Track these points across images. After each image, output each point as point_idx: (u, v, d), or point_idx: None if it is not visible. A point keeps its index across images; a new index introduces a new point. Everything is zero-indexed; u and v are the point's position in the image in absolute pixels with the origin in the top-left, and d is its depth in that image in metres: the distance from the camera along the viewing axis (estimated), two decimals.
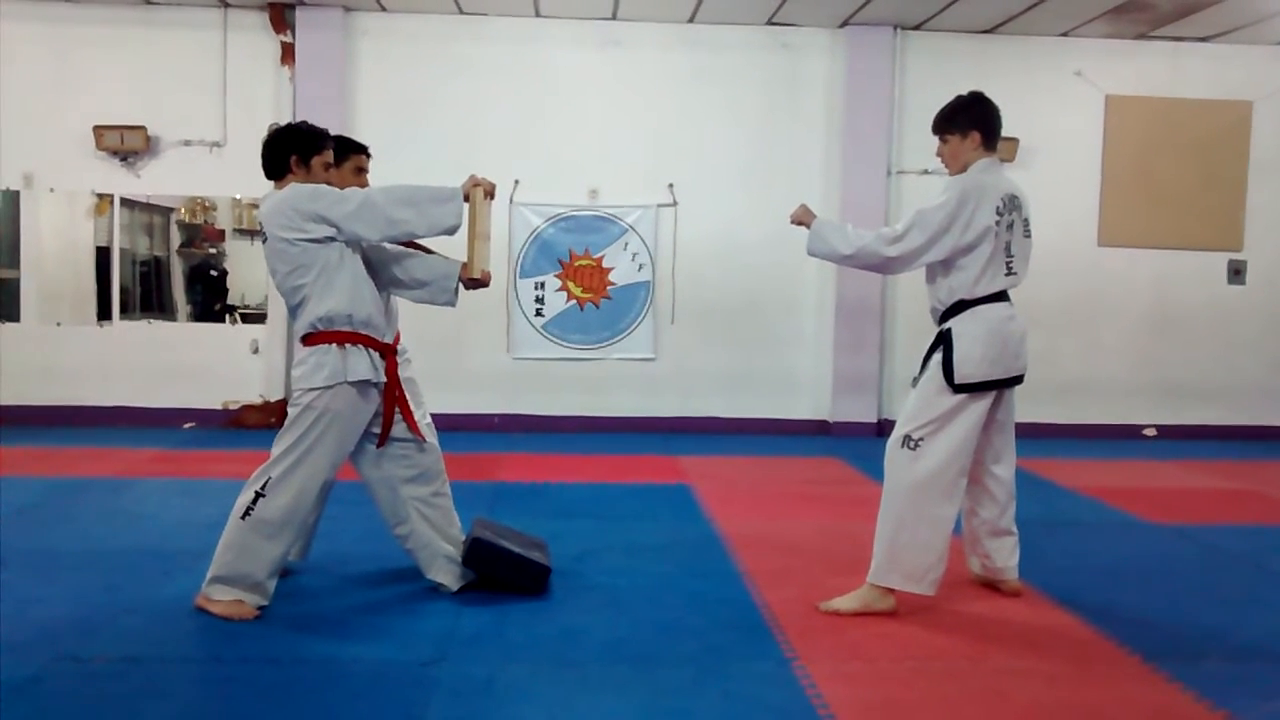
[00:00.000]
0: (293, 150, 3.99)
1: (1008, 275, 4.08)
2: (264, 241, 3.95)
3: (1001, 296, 4.10)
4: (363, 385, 3.91)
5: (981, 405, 4.05)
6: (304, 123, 4.12)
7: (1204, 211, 9.15)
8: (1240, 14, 8.25)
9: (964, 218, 3.98)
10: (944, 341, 4.05)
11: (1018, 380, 4.17)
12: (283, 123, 4.24)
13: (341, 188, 4.32)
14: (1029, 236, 4.16)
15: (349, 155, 4.41)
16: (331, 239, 3.85)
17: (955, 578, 4.67)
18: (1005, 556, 4.38)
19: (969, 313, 4.04)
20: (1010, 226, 4.05)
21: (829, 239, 4.23)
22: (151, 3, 8.46)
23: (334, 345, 3.88)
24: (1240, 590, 4.63)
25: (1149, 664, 3.61)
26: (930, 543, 4.03)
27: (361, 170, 4.45)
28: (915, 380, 4.17)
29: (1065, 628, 4.02)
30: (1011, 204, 4.07)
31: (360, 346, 3.91)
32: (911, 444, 4.02)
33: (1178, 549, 5.34)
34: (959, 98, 4.29)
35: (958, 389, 3.98)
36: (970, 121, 4.18)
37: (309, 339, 3.93)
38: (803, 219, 4.31)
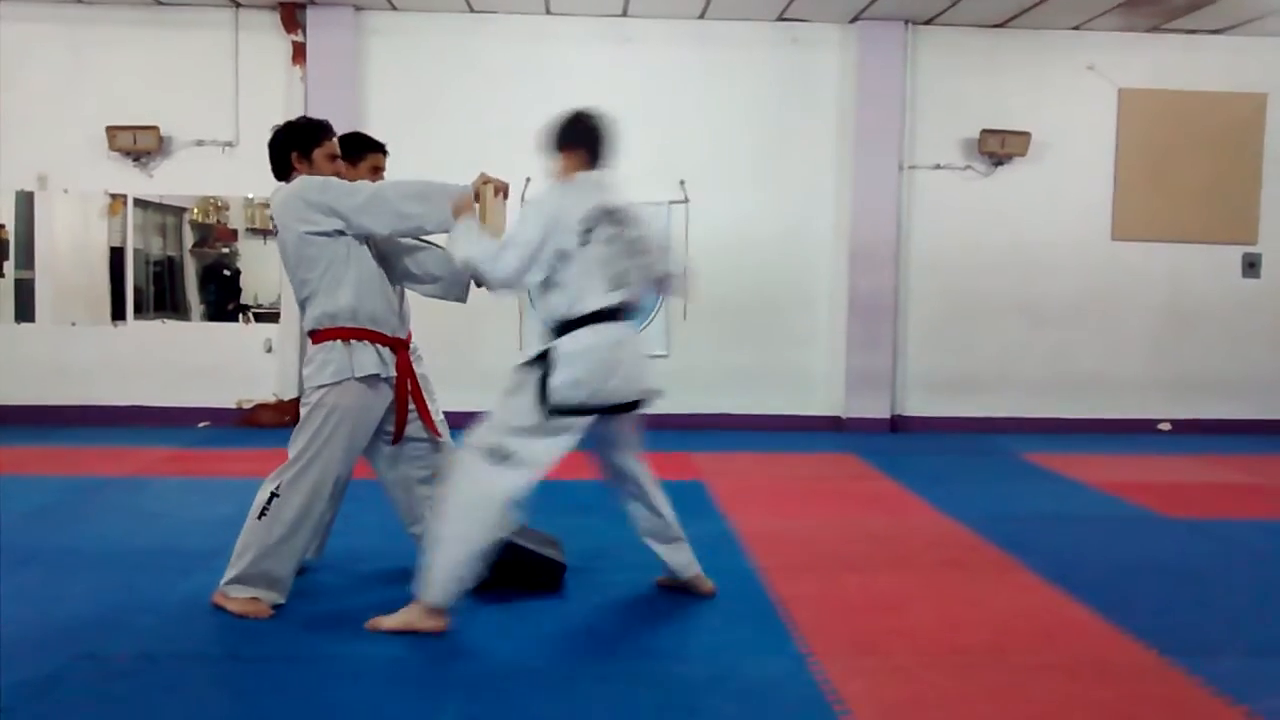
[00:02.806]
0: (293, 147, 3.98)
1: (613, 292, 3.80)
2: (276, 234, 3.97)
3: (611, 315, 3.80)
4: (371, 380, 3.90)
5: (574, 431, 3.79)
6: (302, 117, 4.12)
7: (1218, 205, 9.10)
8: (1255, 6, 8.20)
9: (552, 237, 3.72)
10: (545, 361, 3.76)
11: (630, 407, 3.91)
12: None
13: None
14: (639, 246, 3.92)
15: (365, 154, 4.39)
16: (340, 232, 3.84)
17: (970, 574, 4.67)
18: (683, 563, 4.22)
19: (570, 336, 3.75)
20: (611, 240, 3.80)
21: (455, 239, 3.84)
22: (163, 3, 8.48)
23: (339, 341, 3.88)
24: (1258, 585, 4.61)
25: (1166, 659, 3.60)
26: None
27: (378, 169, 4.41)
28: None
29: (1082, 623, 4.01)
30: (607, 217, 3.81)
31: (366, 342, 3.92)
32: (495, 457, 3.72)
33: (1194, 544, 5.32)
34: (560, 117, 4.00)
35: (552, 412, 3.71)
36: (576, 140, 3.95)
37: (316, 336, 3.94)
38: (460, 209, 3.87)
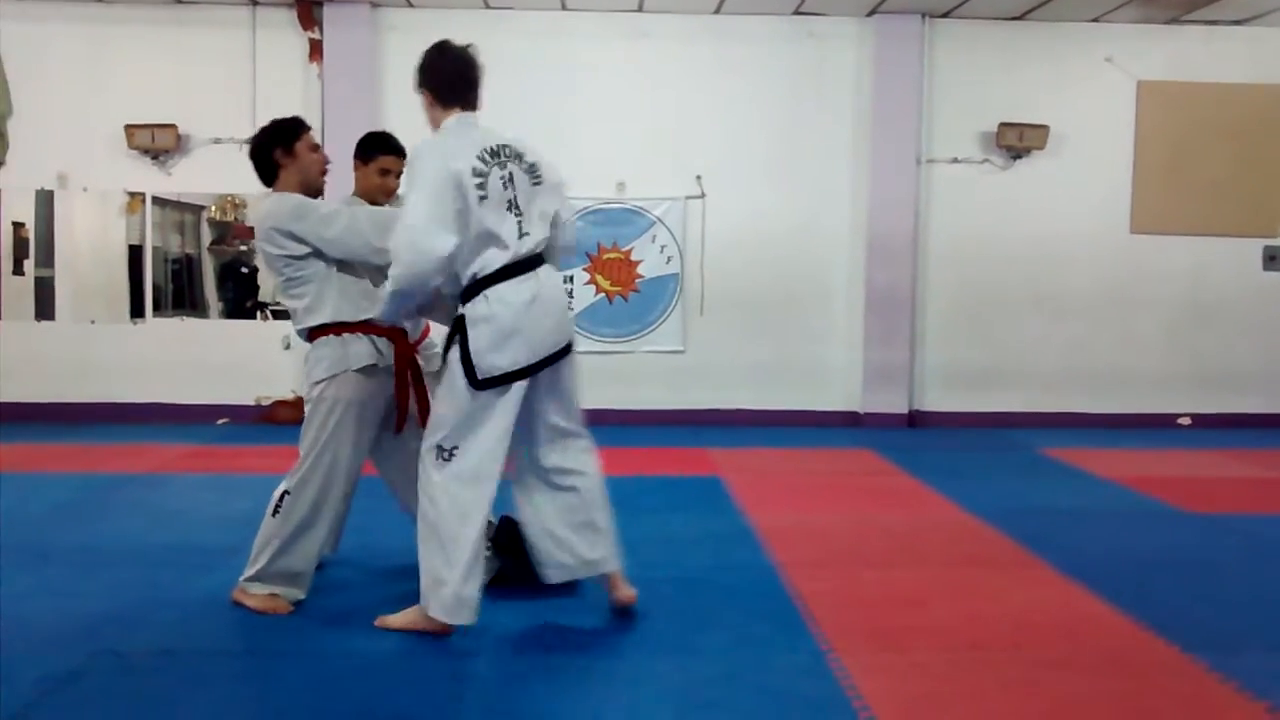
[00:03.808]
0: (275, 144, 3.96)
1: (521, 238, 3.54)
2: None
3: (516, 269, 3.54)
4: (369, 370, 3.91)
5: (511, 400, 3.58)
6: (275, 118, 4.06)
7: (1239, 197, 9.02)
8: None
9: (444, 196, 3.44)
10: (457, 332, 3.55)
11: (556, 358, 3.66)
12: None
13: (366, 188, 4.31)
14: (538, 184, 3.62)
15: (377, 155, 4.32)
16: (319, 254, 3.85)
17: (989, 569, 4.65)
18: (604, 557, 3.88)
19: (479, 297, 3.51)
20: (507, 183, 3.53)
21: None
22: (181, 2, 8.51)
23: (333, 336, 3.90)
24: None
25: (1188, 655, 3.57)
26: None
27: (387, 172, 4.33)
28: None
29: (1102, 618, 3.98)
30: (497, 157, 3.54)
31: (359, 334, 3.91)
32: (445, 454, 3.58)
33: (1215, 539, 5.28)
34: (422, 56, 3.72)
35: (481, 384, 3.51)
36: (424, 79, 3.68)
37: (311, 334, 3.95)
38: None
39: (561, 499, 3.84)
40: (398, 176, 4.40)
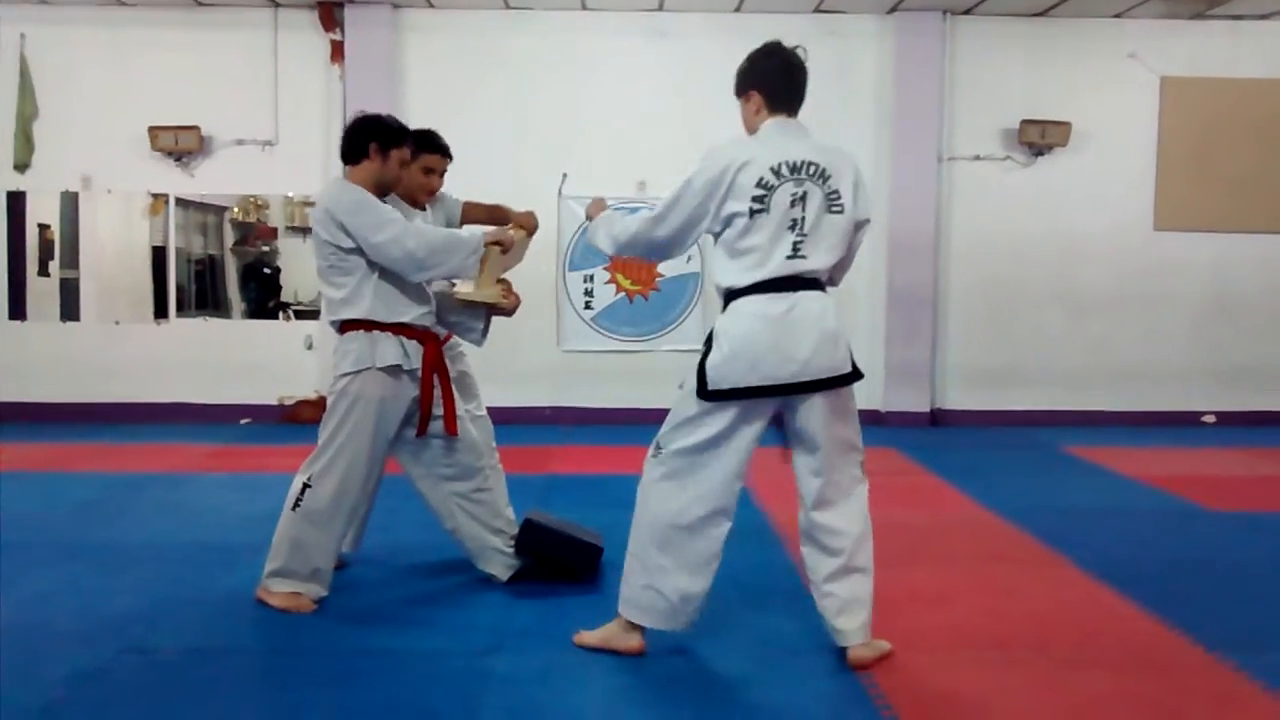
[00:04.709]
0: (374, 138, 3.97)
1: (791, 259, 3.33)
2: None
3: (782, 285, 3.34)
4: (393, 370, 3.92)
5: (747, 420, 3.40)
6: (390, 116, 4.12)
7: (1264, 193, 8.95)
8: None
9: (714, 199, 3.36)
10: (708, 342, 3.41)
11: (807, 388, 3.38)
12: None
13: (407, 185, 4.30)
14: (837, 212, 3.40)
15: (421, 153, 4.32)
16: (363, 252, 3.88)
17: (1012, 568, 4.63)
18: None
19: (732, 306, 3.38)
20: (796, 201, 3.33)
21: (599, 230, 3.65)
22: (203, 4, 8.57)
23: (363, 332, 3.92)
24: None
25: (1213, 654, 3.55)
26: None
27: (431, 171, 4.34)
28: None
29: (1127, 617, 3.96)
30: (796, 173, 3.35)
31: (389, 333, 3.93)
32: (658, 450, 3.48)
33: (1241, 537, 5.24)
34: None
35: (708, 395, 3.35)
36: (751, 82, 3.55)
37: (343, 327, 3.98)
38: (592, 212, 3.77)
39: (828, 562, 3.49)
40: (441, 176, 4.41)
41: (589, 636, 3.60)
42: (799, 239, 3.33)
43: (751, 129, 3.56)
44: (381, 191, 4.00)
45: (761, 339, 3.29)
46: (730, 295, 3.39)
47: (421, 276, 3.92)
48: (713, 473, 3.42)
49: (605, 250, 3.69)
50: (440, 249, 3.87)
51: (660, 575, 3.43)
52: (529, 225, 4.42)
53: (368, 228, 3.82)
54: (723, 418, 3.37)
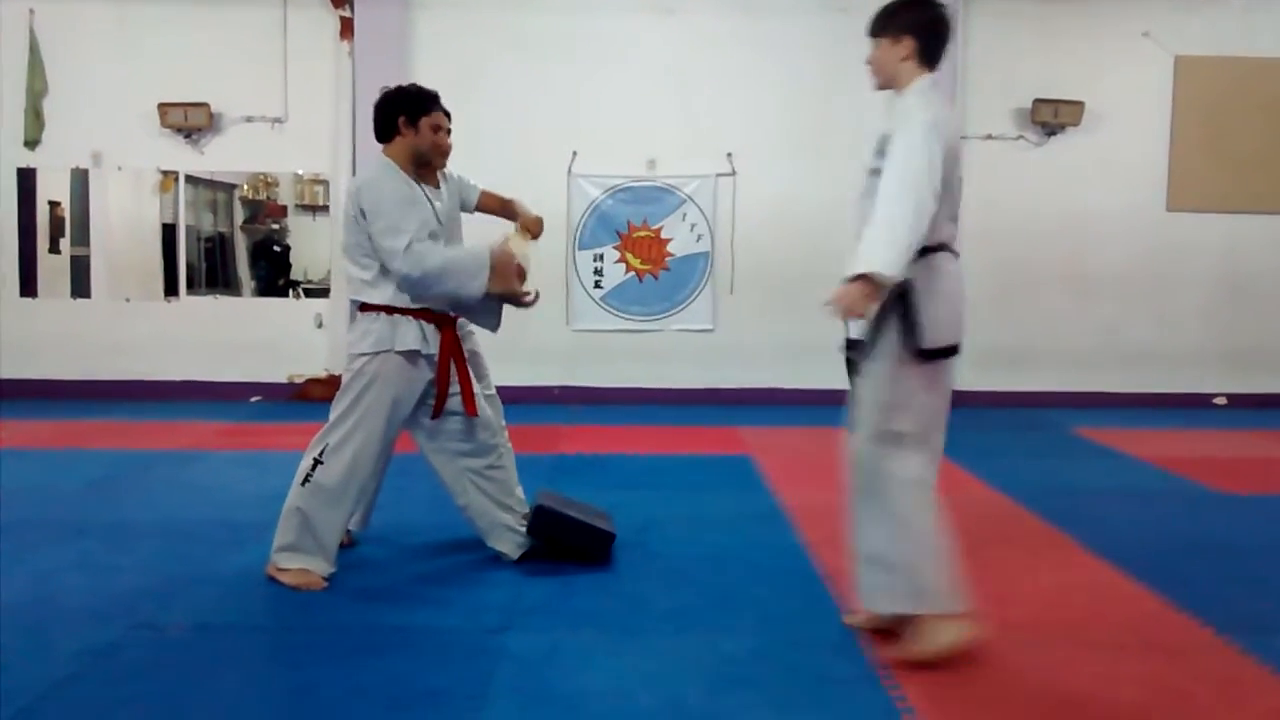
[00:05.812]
0: (401, 111, 4.00)
1: (949, 223, 3.33)
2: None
3: (948, 248, 3.35)
4: (411, 355, 3.94)
5: (946, 377, 3.37)
6: (414, 85, 4.14)
7: (1277, 174, 8.88)
8: None
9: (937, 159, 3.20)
10: (903, 300, 3.24)
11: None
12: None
13: (420, 150, 4.23)
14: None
15: (430, 109, 4.15)
16: None
17: (1021, 549, 4.63)
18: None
19: (925, 262, 3.25)
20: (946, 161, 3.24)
21: (887, 254, 3.14)
22: None
23: (383, 314, 3.94)
24: None
25: (1221, 636, 3.55)
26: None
27: (439, 128, 4.18)
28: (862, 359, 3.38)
29: (1134, 598, 3.96)
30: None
31: (410, 317, 3.95)
32: (893, 439, 3.30)
33: (1251, 520, 5.22)
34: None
35: (928, 355, 3.23)
36: (911, 28, 3.42)
37: (363, 308, 4.00)
38: (857, 303, 3.21)
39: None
40: (448, 134, 4.35)
41: (921, 651, 3.27)
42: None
43: (889, 75, 3.44)
44: (419, 162, 4.03)
45: (963, 296, 3.34)
46: (924, 251, 3.21)
47: (428, 296, 3.95)
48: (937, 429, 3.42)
49: (903, 263, 3.16)
50: (447, 271, 3.91)
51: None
52: (534, 229, 4.43)
53: (384, 232, 3.87)
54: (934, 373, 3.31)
